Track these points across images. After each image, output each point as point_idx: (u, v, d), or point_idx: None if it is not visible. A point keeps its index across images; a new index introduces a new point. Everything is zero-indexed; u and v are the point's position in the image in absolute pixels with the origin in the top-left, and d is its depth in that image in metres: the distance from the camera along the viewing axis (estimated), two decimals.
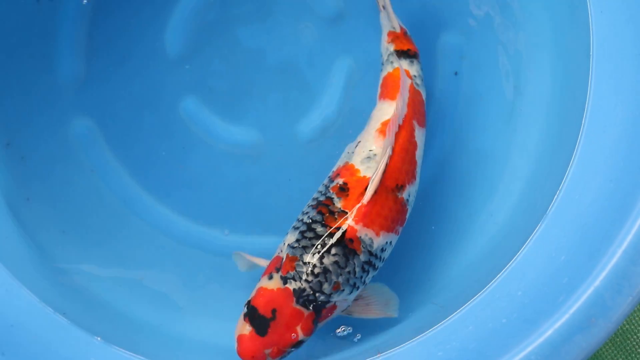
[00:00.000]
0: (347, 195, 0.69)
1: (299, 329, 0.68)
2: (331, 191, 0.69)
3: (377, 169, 0.68)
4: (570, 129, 0.69)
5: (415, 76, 0.74)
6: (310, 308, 0.68)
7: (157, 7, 0.82)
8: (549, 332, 0.61)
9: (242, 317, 0.68)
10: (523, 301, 0.65)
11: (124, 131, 0.82)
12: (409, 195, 0.71)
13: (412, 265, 0.79)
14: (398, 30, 0.76)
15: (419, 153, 0.72)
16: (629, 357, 0.81)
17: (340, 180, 0.70)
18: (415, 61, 0.75)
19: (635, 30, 0.67)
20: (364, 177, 0.69)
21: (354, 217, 0.68)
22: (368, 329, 0.75)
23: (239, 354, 0.67)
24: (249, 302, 0.68)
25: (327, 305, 0.68)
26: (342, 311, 0.71)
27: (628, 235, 0.63)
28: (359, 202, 0.68)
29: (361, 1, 0.82)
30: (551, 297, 0.63)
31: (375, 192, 0.68)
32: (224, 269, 0.78)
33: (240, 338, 0.67)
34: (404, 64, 0.75)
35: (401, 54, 0.75)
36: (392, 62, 0.75)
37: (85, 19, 0.82)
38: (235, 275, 0.74)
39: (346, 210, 0.68)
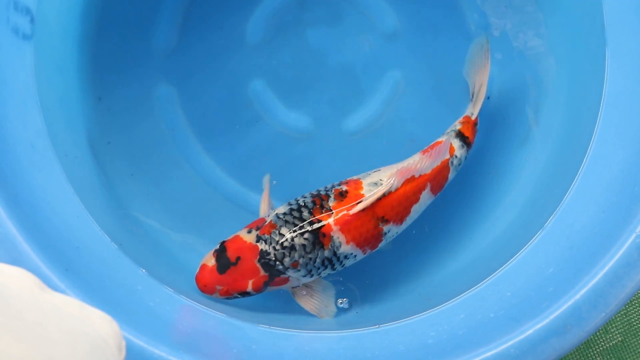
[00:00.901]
0: (342, 200, 0.71)
1: (250, 282, 0.70)
2: (333, 191, 0.72)
3: (373, 194, 0.70)
4: (573, 162, 0.71)
5: (456, 157, 0.76)
6: (267, 271, 0.70)
7: (245, 1, 0.84)
8: (530, 331, 0.62)
9: (212, 251, 0.71)
10: (511, 301, 0.66)
11: (198, 100, 0.84)
12: (389, 231, 0.73)
13: (411, 258, 0.80)
14: (473, 118, 0.78)
15: (416, 208, 0.74)
16: None
17: (344, 188, 0.73)
18: (465, 148, 0.77)
19: None
20: (363, 195, 0.72)
21: (336, 218, 0.70)
22: (367, 304, 0.76)
23: (196, 278, 0.71)
24: (223, 242, 0.71)
25: (281, 276, 0.71)
26: (291, 288, 0.74)
27: (611, 261, 0.63)
28: (345, 210, 0.70)
29: (415, 25, 0.84)
30: (536, 302, 0.64)
31: (364, 210, 0.70)
32: None
33: (202, 267, 0.71)
34: (456, 143, 0.77)
35: (460, 135, 0.77)
36: (449, 136, 0.77)
37: (185, 3, 0.84)
38: None
39: (333, 211, 0.71)
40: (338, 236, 0.70)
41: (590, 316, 0.62)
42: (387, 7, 0.84)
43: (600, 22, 0.72)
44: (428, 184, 0.73)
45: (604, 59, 0.71)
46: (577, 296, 0.62)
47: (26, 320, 0.42)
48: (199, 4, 0.83)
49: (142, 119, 0.82)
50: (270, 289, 0.72)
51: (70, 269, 0.62)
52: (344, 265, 0.73)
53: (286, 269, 0.70)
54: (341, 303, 0.76)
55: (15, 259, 0.60)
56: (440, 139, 0.77)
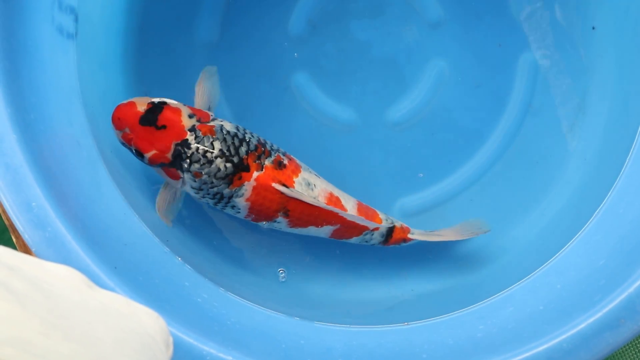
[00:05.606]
0: (275, 169, 0.71)
1: (153, 152, 0.69)
2: (275, 155, 0.72)
3: (301, 194, 0.70)
4: (621, 149, 0.69)
5: (372, 235, 0.75)
6: (173, 157, 0.69)
7: None
8: (582, 325, 0.59)
9: (150, 101, 0.70)
10: (561, 294, 0.64)
11: (242, 92, 0.83)
12: (279, 223, 0.73)
13: (457, 248, 0.79)
14: (408, 236, 0.77)
15: (312, 230, 0.73)
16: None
17: (285, 162, 0.72)
18: (382, 239, 0.76)
19: None
20: (293, 182, 0.71)
21: (260, 175, 0.70)
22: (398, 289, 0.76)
23: (118, 107, 0.70)
24: (165, 103, 0.70)
25: (178, 172, 0.70)
26: (171, 190, 0.73)
27: None
28: (271, 178, 0.70)
29: (459, 14, 0.82)
30: (588, 295, 0.62)
31: (280, 192, 0.70)
32: None
33: (131, 103, 0.70)
34: (382, 229, 0.75)
35: (389, 232, 0.76)
36: (386, 218, 0.76)
37: None
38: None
39: (263, 168, 0.70)
40: (247, 189, 0.70)
41: None
42: None
43: None
44: (338, 225, 0.73)
45: None
46: (631, 289, 0.60)
47: (74, 319, 0.42)
48: (240, 1, 0.82)
49: None
50: (159, 171, 0.71)
51: (119, 267, 0.62)
52: (224, 210, 0.72)
53: (188, 171, 0.69)
54: (281, 272, 0.76)
55: (65, 258, 0.59)
56: (381, 214, 0.76)
